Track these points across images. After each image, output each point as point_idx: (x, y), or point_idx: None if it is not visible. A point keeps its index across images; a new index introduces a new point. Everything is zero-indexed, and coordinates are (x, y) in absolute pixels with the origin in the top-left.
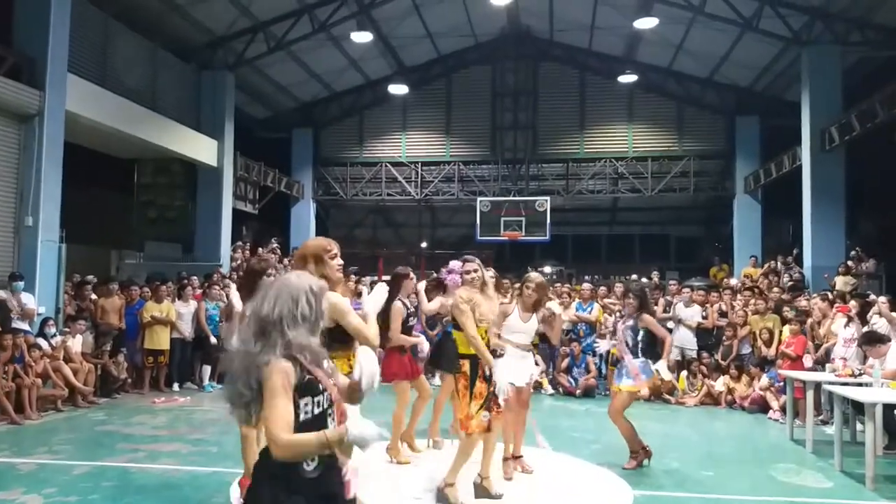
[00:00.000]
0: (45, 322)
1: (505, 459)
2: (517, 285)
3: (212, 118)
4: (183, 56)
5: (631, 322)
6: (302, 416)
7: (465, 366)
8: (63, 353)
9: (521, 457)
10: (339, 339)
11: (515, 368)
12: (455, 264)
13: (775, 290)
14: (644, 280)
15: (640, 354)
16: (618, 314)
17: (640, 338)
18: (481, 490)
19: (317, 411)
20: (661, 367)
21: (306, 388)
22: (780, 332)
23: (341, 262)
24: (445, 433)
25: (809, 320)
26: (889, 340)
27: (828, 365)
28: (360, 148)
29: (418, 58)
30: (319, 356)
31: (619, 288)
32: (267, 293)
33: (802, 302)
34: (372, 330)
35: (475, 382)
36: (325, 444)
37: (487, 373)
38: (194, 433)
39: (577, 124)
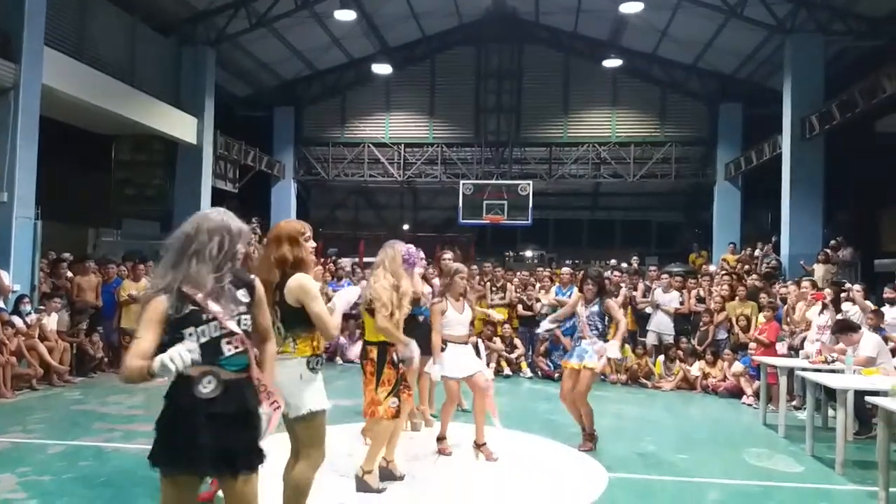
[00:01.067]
0: (20, 300)
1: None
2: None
3: (192, 95)
4: (163, 31)
5: (596, 308)
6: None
7: (373, 352)
8: (38, 332)
9: (484, 444)
10: (305, 321)
11: (457, 362)
12: (410, 248)
13: (752, 276)
14: (623, 265)
15: (605, 338)
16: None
17: (606, 321)
18: (386, 473)
19: (203, 340)
20: (613, 347)
21: (188, 319)
22: (756, 318)
23: (314, 244)
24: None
25: (785, 307)
26: (860, 329)
27: (801, 352)
28: (342, 128)
29: (402, 38)
30: (217, 292)
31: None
32: (185, 227)
33: (781, 289)
34: (334, 321)
35: (383, 369)
36: (143, 371)
37: (396, 359)
38: None
39: (561, 108)
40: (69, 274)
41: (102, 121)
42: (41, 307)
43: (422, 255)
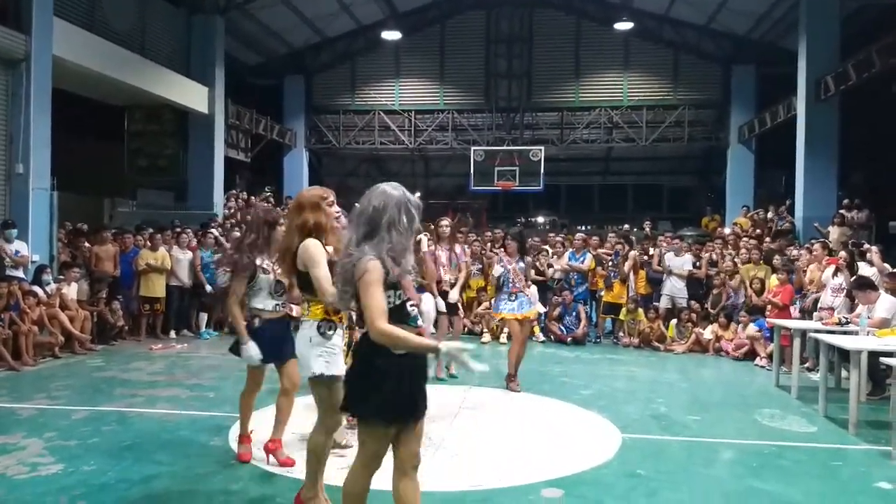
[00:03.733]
0: (40, 270)
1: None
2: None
3: (202, 64)
4: None
5: (522, 264)
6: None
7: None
8: (59, 301)
9: None
10: (312, 285)
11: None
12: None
13: (767, 239)
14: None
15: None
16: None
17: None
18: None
19: (397, 302)
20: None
21: (391, 283)
22: (770, 281)
23: (338, 209)
24: None
25: (797, 264)
26: (878, 288)
27: (815, 314)
28: (352, 95)
29: (412, 3)
30: (404, 261)
31: (612, 238)
32: (372, 202)
33: (794, 252)
34: (331, 288)
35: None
36: (416, 348)
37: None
38: (191, 379)
39: (573, 72)
40: (87, 244)
41: (114, 91)
42: (61, 277)
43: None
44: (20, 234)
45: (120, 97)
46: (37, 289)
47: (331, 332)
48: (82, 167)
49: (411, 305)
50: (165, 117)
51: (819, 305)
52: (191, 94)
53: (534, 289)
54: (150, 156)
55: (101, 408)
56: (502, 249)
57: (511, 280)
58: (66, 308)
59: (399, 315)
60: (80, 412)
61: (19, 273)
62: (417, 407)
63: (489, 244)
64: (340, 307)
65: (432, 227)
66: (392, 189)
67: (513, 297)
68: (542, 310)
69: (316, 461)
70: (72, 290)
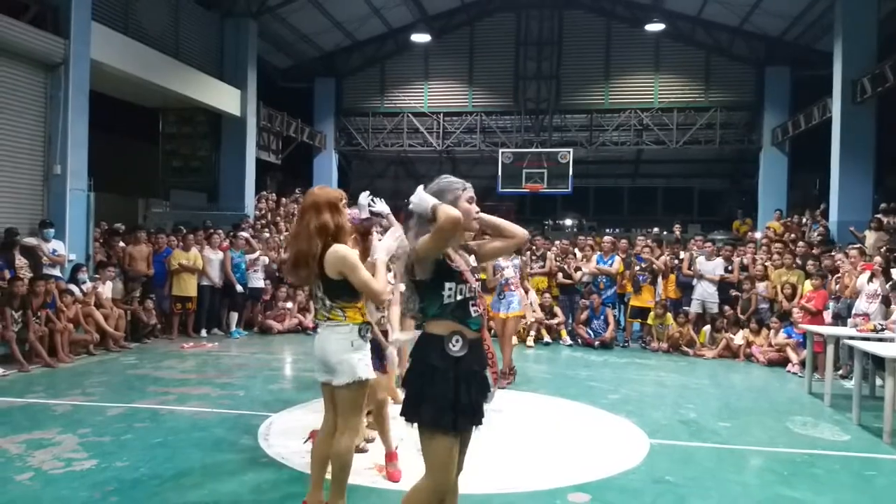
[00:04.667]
0: (76, 269)
1: None
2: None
3: (235, 67)
4: (205, 3)
5: (517, 261)
6: (446, 299)
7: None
8: (94, 299)
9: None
10: (349, 291)
11: None
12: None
13: (801, 244)
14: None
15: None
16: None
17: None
18: None
19: (459, 297)
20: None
21: (452, 275)
22: (803, 286)
23: (350, 211)
24: None
25: (836, 276)
26: None
27: (849, 320)
28: (381, 98)
29: (441, 6)
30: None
31: (640, 241)
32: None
33: (837, 255)
34: (379, 283)
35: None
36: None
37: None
38: (222, 377)
39: (602, 74)
40: (122, 244)
41: (149, 94)
42: (96, 276)
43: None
44: (57, 234)
45: (154, 100)
46: (73, 287)
47: (368, 335)
48: (118, 168)
49: (473, 304)
50: (198, 120)
51: (853, 311)
52: (223, 97)
53: (532, 293)
54: (184, 157)
55: (134, 405)
56: None
57: (505, 279)
58: (100, 306)
59: (462, 315)
60: (113, 409)
61: (56, 272)
62: (474, 417)
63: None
64: (407, 310)
65: None
66: (449, 183)
67: (501, 296)
68: (533, 316)
69: (342, 468)
70: (107, 289)
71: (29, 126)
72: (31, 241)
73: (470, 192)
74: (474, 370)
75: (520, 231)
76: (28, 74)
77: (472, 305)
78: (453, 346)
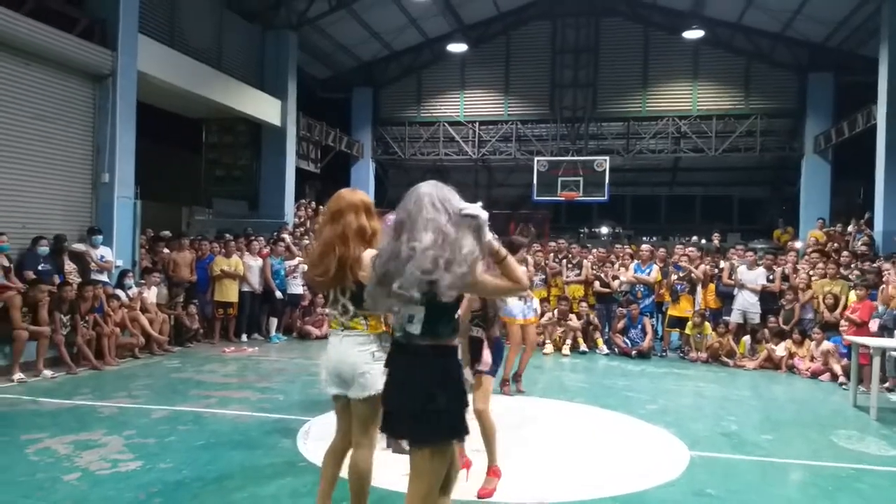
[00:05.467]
0: (123, 274)
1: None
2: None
3: (275, 78)
4: (247, 16)
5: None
6: (455, 316)
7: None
8: (139, 304)
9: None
10: None
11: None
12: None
13: (845, 254)
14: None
15: None
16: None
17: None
18: (397, 447)
19: (458, 315)
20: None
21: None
22: (847, 297)
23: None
24: None
25: (882, 287)
26: None
27: (895, 331)
28: (418, 107)
29: (478, 15)
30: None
31: (679, 249)
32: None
33: (886, 265)
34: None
35: None
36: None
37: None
38: (262, 381)
39: (640, 82)
40: (166, 250)
41: (193, 104)
42: (142, 281)
43: None
44: (105, 240)
45: (198, 110)
46: (119, 292)
47: (387, 345)
48: (162, 177)
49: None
50: (240, 129)
51: None
52: (264, 107)
53: (536, 300)
54: (226, 166)
55: (177, 407)
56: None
57: None
58: (146, 311)
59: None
60: (158, 411)
61: (104, 277)
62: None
63: (552, 255)
64: (395, 324)
65: None
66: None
67: (527, 303)
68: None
69: (364, 484)
70: (151, 294)
71: (78, 136)
72: (80, 247)
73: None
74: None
75: (524, 281)
76: (77, 85)
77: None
78: (461, 358)
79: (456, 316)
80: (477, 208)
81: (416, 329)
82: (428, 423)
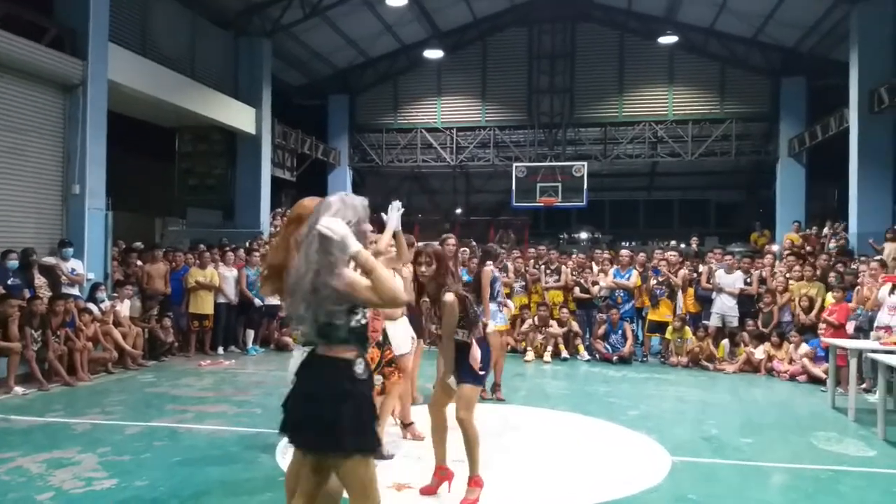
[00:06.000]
0: (95, 287)
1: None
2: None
3: (249, 86)
4: (220, 24)
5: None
6: (353, 324)
7: None
8: (112, 318)
9: (411, 424)
10: None
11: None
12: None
13: (822, 256)
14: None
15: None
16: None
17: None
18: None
19: (364, 322)
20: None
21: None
22: (823, 299)
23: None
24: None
25: (858, 289)
26: None
27: (872, 333)
28: (394, 114)
29: (453, 22)
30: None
31: (658, 254)
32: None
33: (861, 267)
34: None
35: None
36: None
37: (380, 338)
38: (239, 395)
39: (616, 87)
40: (139, 262)
41: (165, 113)
42: (114, 294)
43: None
44: (76, 253)
45: (171, 119)
46: (91, 306)
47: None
48: (135, 187)
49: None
50: (214, 138)
51: (875, 324)
52: (238, 116)
53: (510, 302)
54: (200, 175)
55: (152, 423)
56: (491, 263)
57: (500, 291)
58: (119, 325)
59: (362, 340)
60: (132, 427)
61: (75, 291)
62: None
63: (532, 261)
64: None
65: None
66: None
67: (501, 308)
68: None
69: (338, 498)
70: (125, 308)
71: (48, 146)
72: (50, 260)
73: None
74: (370, 395)
75: (393, 296)
76: (47, 95)
77: (370, 331)
78: (358, 367)
79: (351, 324)
80: (328, 224)
81: (311, 339)
82: (328, 435)
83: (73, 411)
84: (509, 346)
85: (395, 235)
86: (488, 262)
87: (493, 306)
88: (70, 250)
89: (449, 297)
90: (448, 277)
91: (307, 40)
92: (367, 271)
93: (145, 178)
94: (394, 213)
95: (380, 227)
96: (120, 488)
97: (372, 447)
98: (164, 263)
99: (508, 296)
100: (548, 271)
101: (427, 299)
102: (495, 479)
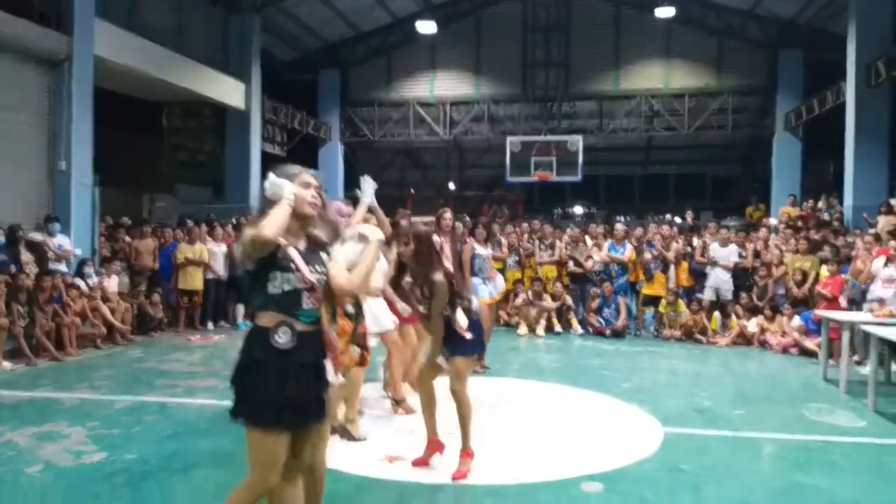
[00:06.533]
0: (82, 263)
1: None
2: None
3: (239, 60)
4: None
5: (490, 251)
6: (271, 290)
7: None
8: (100, 293)
9: (403, 400)
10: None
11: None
12: (341, 206)
13: (813, 230)
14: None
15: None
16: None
17: None
18: (345, 433)
19: (286, 288)
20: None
21: (278, 264)
22: (818, 273)
23: (315, 194)
24: None
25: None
26: None
27: (865, 305)
28: (387, 89)
29: None
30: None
31: (653, 228)
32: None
33: (848, 239)
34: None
35: (335, 320)
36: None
37: (351, 310)
38: (228, 369)
39: (612, 61)
40: (127, 238)
41: (153, 88)
42: (102, 270)
43: (350, 210)
44: (63, 229)
45: (159, 94)
46: (79, 282)
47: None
48: (122, 163)
49: (308, 296)
50: (203, 113)
51: (868, 297)
52: (228, 91)
53: (499, 276)
54: (189, 151)
55: (142, 398)
56: (472, 237)
57: (482, 266)
58: (107, 300)
59: (291, 305)
60: (121, 402)
61: (62, 266)
62: (308, 411)
63: (526, 236)
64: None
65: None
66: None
67: (486, 283)
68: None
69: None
70: (113, 283)
71: (34, 122)
72: (37, 236)
73: (306, 178)
74: (304, 363)
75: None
76: (32, 71)
77: (306, 298)
78: (279, 338)
79: (266, 291)
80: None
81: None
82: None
83: (61, 386)
84: (502, 321)
85: (372, 210)
86: (467, 239)
87: (475, 280)
88: (57, 226)
89: (439, 276)
90: (433, 257)
91: (298, 14)
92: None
93: (133, 154)
94: (367, 188)
95: (356, 203)
96: (109, 461)
97: (262, 421)
98: (153, 239)
99: (502, 270)
100: (542, 246)
101: (410, 279)
102: (488, 452)
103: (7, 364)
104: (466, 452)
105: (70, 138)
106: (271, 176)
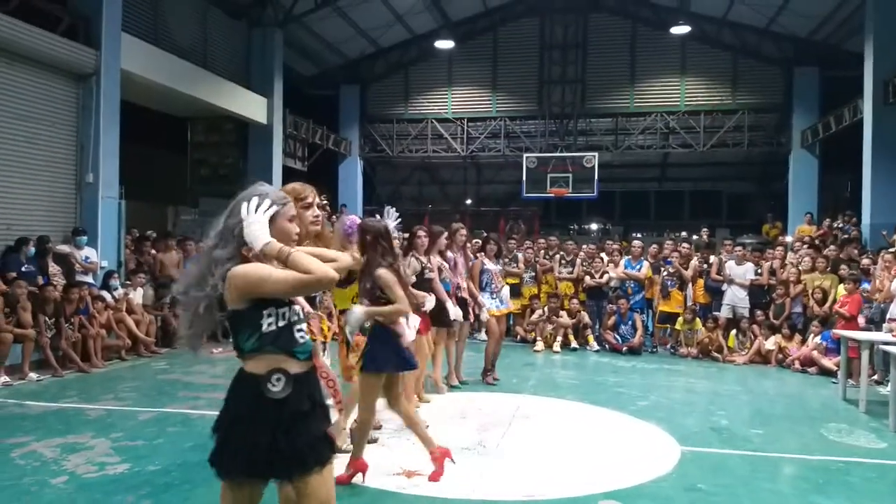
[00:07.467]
0: (108, 275)
1: None
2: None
3: (261, 76)
4: (233, 14)
5: (499, 266)
6: (265, 328)
7: (342, 320)
8: (125, 305)
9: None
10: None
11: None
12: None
13: (832, 248)
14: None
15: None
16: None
17: None
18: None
19: (281, 324)
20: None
21: (272, 298)
22: (836, 291)
23: (317, 212)
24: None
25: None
26: None
27: (884, 325)
28: (405, 104)
29: (464, 11)
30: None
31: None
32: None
33: (864, 260)
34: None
35: (352, 334)
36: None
37: (367, 325)
38: None
39: (628, 78)
40: (152, 251)
41: (178, 103)
42: (128, 282)
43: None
44: (90, 241)
45: (183, 108)
46: (105, 294)
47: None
48: (148, 177)
49: (300, 328)
50: (226, 128)
51: (888, 316)
52: (250, 106)
53: (506, 289)
54: (212, 165)
55: (165, 409)
56: (482, 253)
57: (490, 281)
58: (132, 312)
59: (286, 343)
60: (145, 413)
61: (89, 278)
62: (274, 464)
63: (542, 252)
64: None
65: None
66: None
67: (494, 297)
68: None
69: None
70: (138, 295)
71: (62, 136)
72: (64, 248)
73: (291, 211)
74: (303, 410)
75: (316, 270)
76: (60, 85)
77: (299, 330)
78: (272, 387)
79: (260, 329)
80: (247, 212)
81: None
82: None
83: (86, 397)
84: (518, 336)
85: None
86: (478, 254)
87: (484, 294)
88: (84, 238)
89: (381, 271)
90: (378, 250)
91: (319, 30)
92: (282, 259)
93: (158, 168)
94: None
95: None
96: (133, 473)
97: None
98: (177, 252)
99: (518, 286)
100: (563, 262)
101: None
102: (505, 467)
103: (33, 375)
104: (433, 455)
105: (97, 151)
106: (249, 225)
